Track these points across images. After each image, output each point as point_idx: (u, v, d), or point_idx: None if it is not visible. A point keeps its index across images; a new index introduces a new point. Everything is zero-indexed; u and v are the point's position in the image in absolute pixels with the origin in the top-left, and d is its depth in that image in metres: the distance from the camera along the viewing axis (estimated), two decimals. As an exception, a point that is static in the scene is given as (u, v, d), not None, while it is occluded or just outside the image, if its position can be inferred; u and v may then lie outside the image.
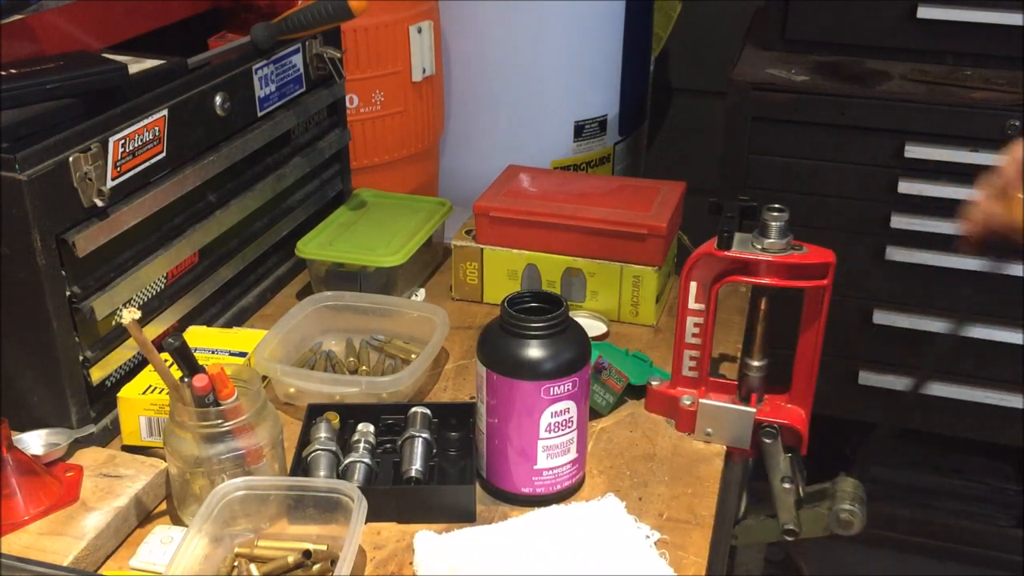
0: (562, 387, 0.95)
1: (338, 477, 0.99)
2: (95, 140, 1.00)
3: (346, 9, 1.23)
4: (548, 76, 1.80)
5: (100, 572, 0.93)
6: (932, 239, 1.70)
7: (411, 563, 0.93)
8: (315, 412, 1.07)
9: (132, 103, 1.06)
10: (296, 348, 1.21)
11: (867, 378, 1.85)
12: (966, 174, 1.65)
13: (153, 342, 1.00)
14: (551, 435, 0.97)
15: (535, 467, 0.98)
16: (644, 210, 1.31)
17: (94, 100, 1.05)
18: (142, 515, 0.98)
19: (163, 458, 0.98)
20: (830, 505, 1.07)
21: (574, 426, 0.98)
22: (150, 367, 1.07)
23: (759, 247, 1.02)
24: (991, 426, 1.82)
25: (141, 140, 1.06)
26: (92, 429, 1.05)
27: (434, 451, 1.03)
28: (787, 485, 1.05)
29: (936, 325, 1.76)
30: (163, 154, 1.10)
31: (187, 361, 0.93)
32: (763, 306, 1.06)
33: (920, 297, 1.77)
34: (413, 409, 1.06)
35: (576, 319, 0.99)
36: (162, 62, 1.17)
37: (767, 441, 1.07)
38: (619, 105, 1.91)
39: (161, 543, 0.94)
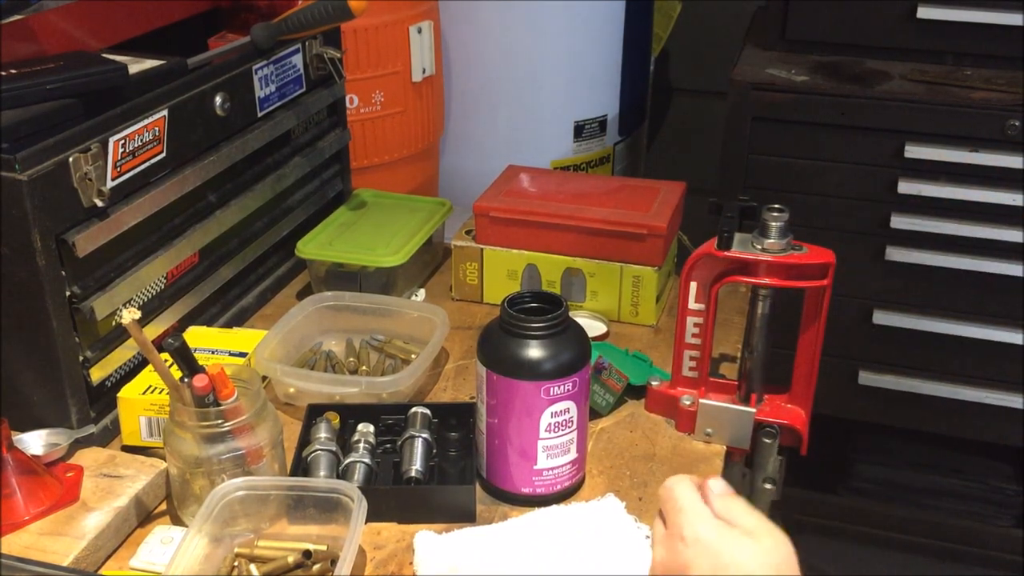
0: (562, 387, 0.95)
1: (338, 477, 0.99)
2: (95, 140, 1.00)
3: (346, 9, 1.23)
4: (548, 76, 1.80)
5: (100, 572, 0.93)
6: (932, 239, 1.70)
7: (411, 563, 0.93)
8: (315, 412, 1.07)
9: (132, 103, 1.06)
10: (296, 348, 1.21)
11: (867, 378, 1.84)
12: (966, 174, 1.66)
13: (153, 342, 1.00)
14: (551, 435, 0.97)
15: (535, 467, 0.98)
16: (644, 210, 1.31)
17: (94, 100, 1.04)
18: (142, 515, 0.98)
19: (163, 458, 0.98)
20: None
21: (574, 426, 0.98)
22: (150, 367, 1.07)
23: (759, 247, 1.02)
24: (991, 426, 1.82)
25: (141, 140, 1.06)
26: (92, 429, 1.05)
27: (434, 451, 1.03)
28: (768, 486, 1.06)
29: (936, 325, 1.76)
30: (163, 154, 1.10)
31: (187, 361, 0.93)
32: (762, 306, 1.06)
33: (920, 297, 1.77)
34: (413, 409, 1.06)
35: (576, 319, 0.99)
36: (162, 62, 1.17)
37: (766, 441, 1.07)
38: (619, 105, 1.91)
39: (161, 543, 0.94)
